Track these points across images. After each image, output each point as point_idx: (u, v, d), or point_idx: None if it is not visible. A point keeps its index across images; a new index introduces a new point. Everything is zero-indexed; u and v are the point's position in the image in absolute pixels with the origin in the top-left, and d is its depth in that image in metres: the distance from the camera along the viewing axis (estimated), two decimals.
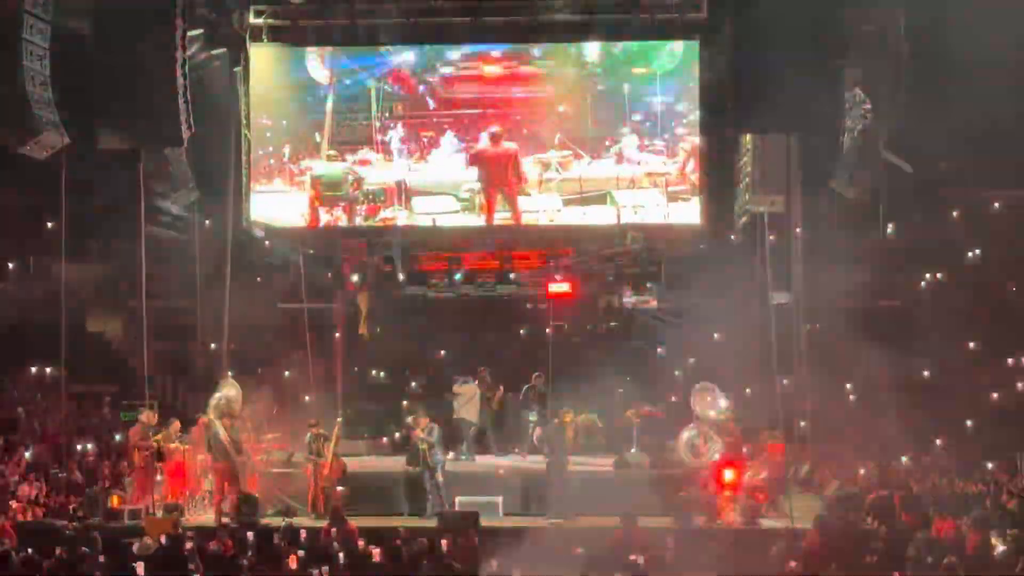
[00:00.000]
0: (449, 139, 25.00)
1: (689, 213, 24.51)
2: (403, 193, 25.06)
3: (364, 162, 25.03)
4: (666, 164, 24.55)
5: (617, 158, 24.64)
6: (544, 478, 21.51)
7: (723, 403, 21.06)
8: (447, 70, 24.97)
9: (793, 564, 15.73)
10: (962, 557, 15.97)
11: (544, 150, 24.84)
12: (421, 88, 24.97)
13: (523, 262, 25.98)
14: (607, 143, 24.71)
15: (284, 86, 24.95)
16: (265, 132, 24.81)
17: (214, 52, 22.93)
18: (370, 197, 25.11)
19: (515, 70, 24.89)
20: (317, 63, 24.90)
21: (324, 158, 24.94)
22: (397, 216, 25.10)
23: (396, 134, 24.95)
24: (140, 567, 14.79)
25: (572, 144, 24.80)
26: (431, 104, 24.95)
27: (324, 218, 25.27)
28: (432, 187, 25.13)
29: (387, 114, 25.05)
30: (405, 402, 26.04)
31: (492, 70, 24.98)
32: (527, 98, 24.96)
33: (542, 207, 24.99)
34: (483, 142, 24.82)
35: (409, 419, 22.99)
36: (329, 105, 24.99)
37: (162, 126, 19.51)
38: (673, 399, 25.01)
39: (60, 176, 20.99)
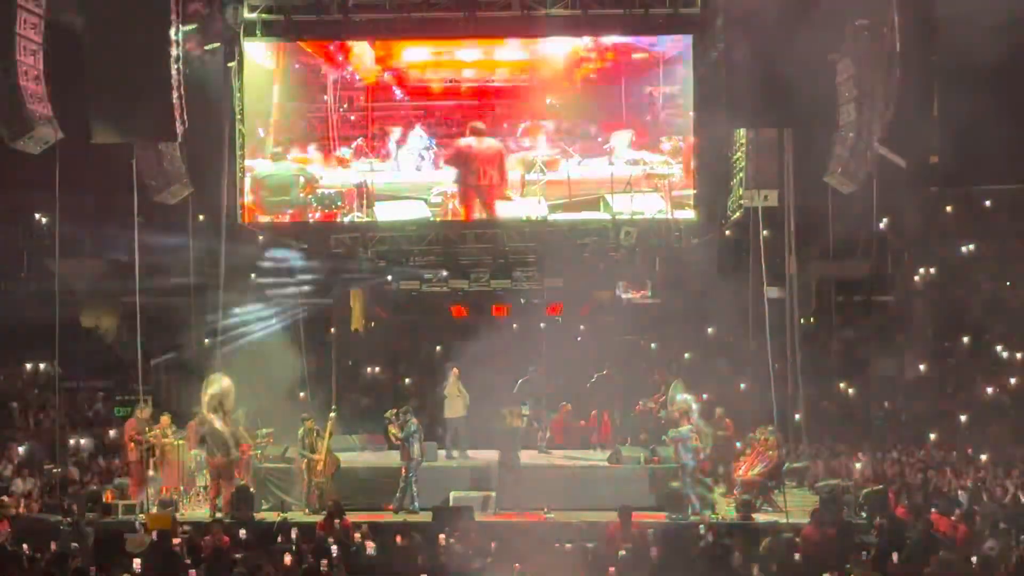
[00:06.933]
0: (418, 134, 22.48)
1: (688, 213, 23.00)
2: (364, 197, 22.36)
3: (318, 161, 22.50)
4: (670, 165, 22.64)
5: (610, 157, 22.48)
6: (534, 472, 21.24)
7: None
8: (415, 54, 22.39)
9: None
10: (955, 551, 16.03)
11: (528, 147, 22.57)
12: (386, 75, 22.53)
13: (517, 257, 24.92)
14: (599, 139, 22.55)
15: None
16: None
17: (208, 47, 22.85)
18: (325, 202, 22.46)
19: (493, 54, 22.42)
20: (260, 43, 22.56)
21: (269, 157, 22.46)
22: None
23: (356, 128, 22.38)
24: (136, 564, 14.69)
25: (560, 140, 22.57)
26: (397, 94, 22.53)
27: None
28: (398, 190, 22.51)
29: (345, 105, 22.56)
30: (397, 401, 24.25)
31: (468, 54, 22.44)
32: (508, 87, 22.44)
33: (524, 213, 22.52)
34: (465, 137, 22.32)
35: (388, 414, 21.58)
36: (275, 94, 22.60)
37: (156, 121, 19.45)
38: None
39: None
